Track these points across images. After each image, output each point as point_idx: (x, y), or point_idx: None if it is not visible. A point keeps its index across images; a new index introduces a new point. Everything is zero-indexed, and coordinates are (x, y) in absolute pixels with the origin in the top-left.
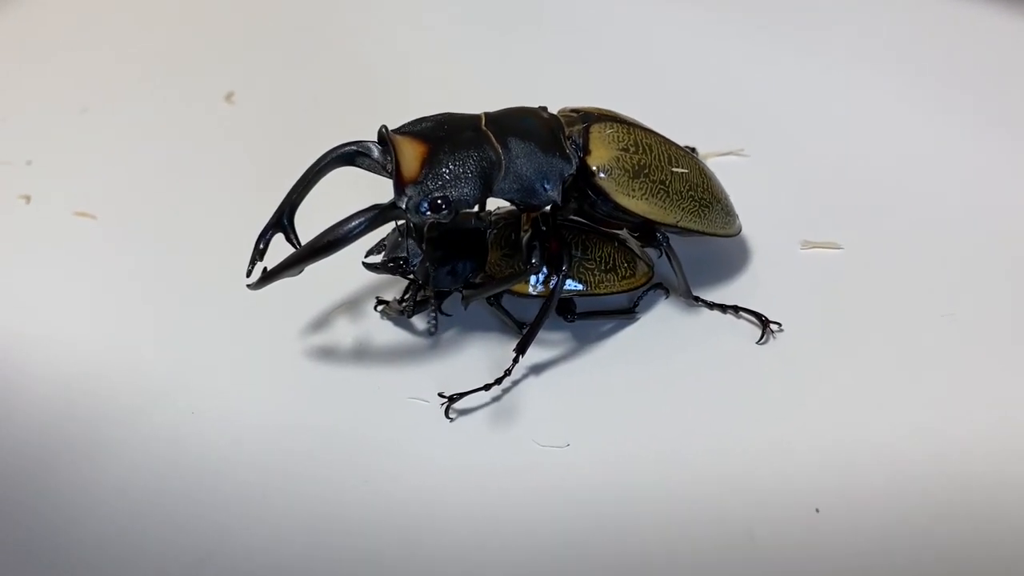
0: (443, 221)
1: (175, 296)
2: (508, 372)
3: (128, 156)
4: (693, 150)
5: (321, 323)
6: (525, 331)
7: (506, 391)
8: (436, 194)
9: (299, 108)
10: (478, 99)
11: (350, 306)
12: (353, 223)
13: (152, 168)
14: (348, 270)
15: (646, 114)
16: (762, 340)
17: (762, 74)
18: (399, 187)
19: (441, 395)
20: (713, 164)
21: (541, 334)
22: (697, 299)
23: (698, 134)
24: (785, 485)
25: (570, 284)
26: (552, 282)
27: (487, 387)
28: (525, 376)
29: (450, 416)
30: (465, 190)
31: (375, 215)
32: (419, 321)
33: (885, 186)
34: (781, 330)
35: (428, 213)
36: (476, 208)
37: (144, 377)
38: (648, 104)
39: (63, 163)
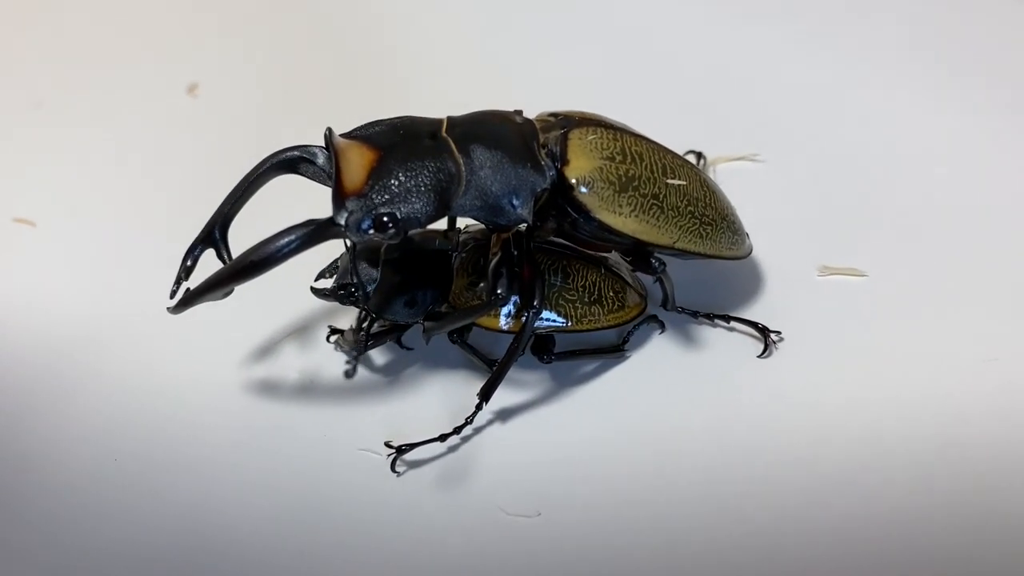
0: (390, 242)
1: (107, 315)
2: (469, 421)
3: (83, 155)
4: (700, 156)
5: (265, 352)
6: (491, 376)
7: (467, 441)
8: (382, 210)
9: (270, 102)
10: (468, 94)
11: (300, 333)
12: (281, 241)
13: (107, 168)
14: (302, 291)
15: (652, 115)
16: (765, 353)
17: (777, 72)
18: (339, 200)
19: (389, 445)
20: (722, 172)
21: (513, 375)
22: (681, 309)
23: (705, 138)
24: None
25: (548, 318)
26: (523, 317)
27: (443, 438)
28: (490, 424)
29: (397, 470)
30: (416, 206)
31: (309, 232)
32: (377, 355)
33: (917, 203)
34: (782, 339)
35: (371, 232)
36: (427, 226)
37: (62, 416)
38: (656, 103)
39: (10, 163)
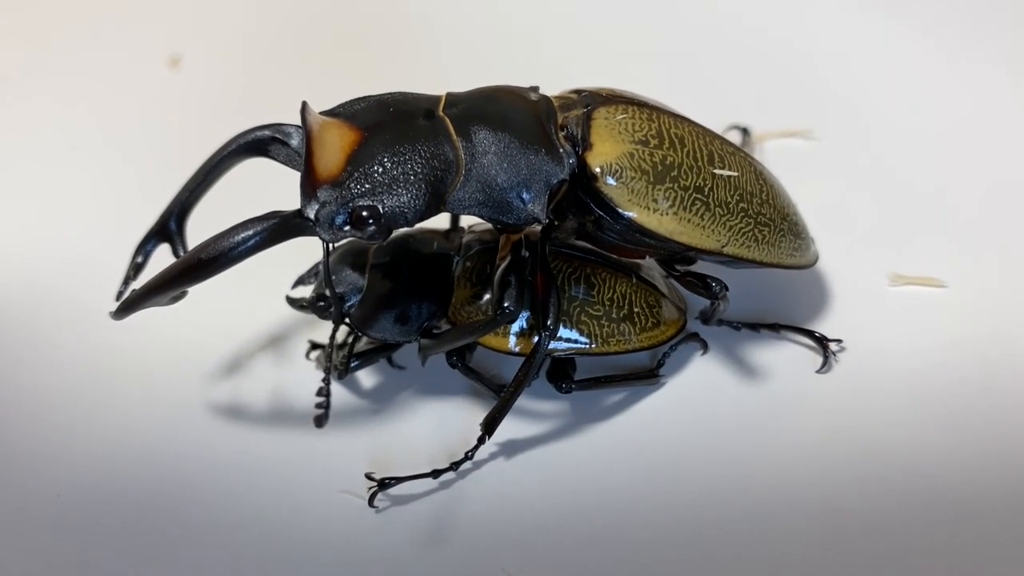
0: (370, 242)
1: (56, 313)
2: (469, 456)
3: (52, 132)
4: (745, 132)
5: (235, 368)
6: (496, 406)
7: (467, 484)
8: (360, 202)
9: (258, 75)
10: (483, 67)
11: (276, 346)
12: (237, 237)
13: (79, 147)
14: (279, 298)
15: (690, 85)
16: (824, 368)
17: (838, 40)
18: (308, 189)
19: (370, 477)
20: (771, 152)
21: (525, 404)
22: (720, 322)
23: (754, 113)
24: None
25: (567, 337)
26: (536, 337)
27: (436, 473)
28: (496, 466)
29: (375, 505)
30: (403, 199)
31: (271, 228)
32: (364, 376)
33: (1005, 203)
34: (843, 348)
35: (347, 228)
36: (415, 224)
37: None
38: (696, 72)
39: None
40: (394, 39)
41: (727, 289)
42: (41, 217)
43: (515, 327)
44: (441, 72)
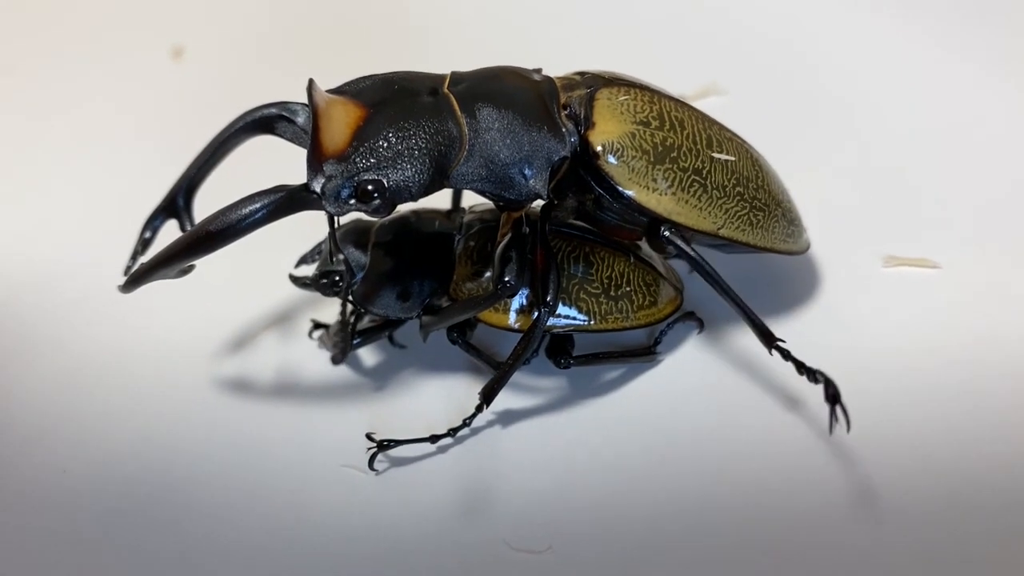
0: (374, 216)
1: (67, 293)
2: (467, 423)
3: (58, 121)
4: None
5: (238, 347)
6: (495, 376)
7: (468, 458)
8: (365, 176)
9: (261, 66)
10: (490, 57)
11: (280, 325)
12: (245, 209)
13: (83, 136)
14: (283, 276)
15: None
16: (831, 431)
17: (836, 32)
18: (315, 163)
19: (370, 437)
20: (766, 137)
21: (523, 380)
22: (785, 353)
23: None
24: None
25: (566, 314)
26: (535, 313)
27: (434, 438)
28: (496, 440)
29: (375, 468)
30: (407, 173)
31: (278, 200)
32: (366, 354)
33: (1000, 181)
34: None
35: (352, 201)
36: (419, 198)
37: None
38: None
39: None
40: (397, 28)
41: (700, 256)
42: (47, 202)
43: (515, 304)
44: (444, 62)
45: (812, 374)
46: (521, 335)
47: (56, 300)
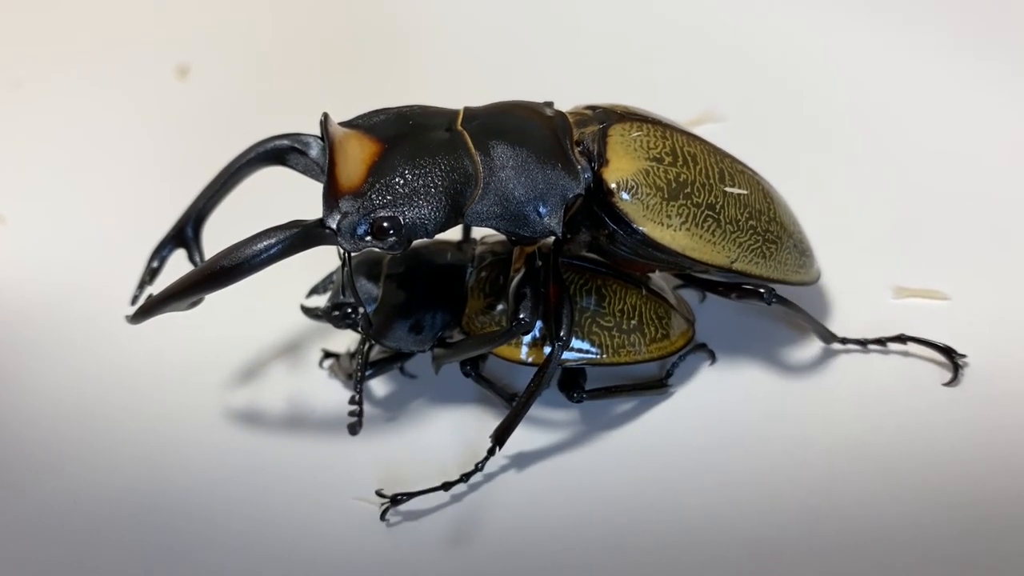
0: (390, 252)
1: (75, 319)
2: (479, 467)
3: (64, 139)
4: None
5: (250, 376)
6: (507, 417)
7: (478, 493)
8: (381, 213)
9: (269, 88)
10: (493, 82)
11: (290, 354)
12: (259, 245)
13: (89, 155)
14: (294, 306)
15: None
16: (954, 381)
17: (849, 55)
18: (331, 199)
19: (380, 494)
20: (775, 168)
21: (535, 413)
22: (844, 340)
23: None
24: None
25: (579, 348)
26: (547, 349)
27: (447, 486)
28: (506, 474)
29: (387, 519)
30: (424, 211)
31: (293, 236)
32: (377, 385)
33: (1010, 210)
34: (967, 364)
35: (368, 239)
36: (435, 236)
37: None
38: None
39: None
40: (401, 49)
41: (774, 289)
42: (52, 224)
43: (528, 337)
44: (446, 82)
45: (885, 342)
46: (534, 368)
47: (62, 325)
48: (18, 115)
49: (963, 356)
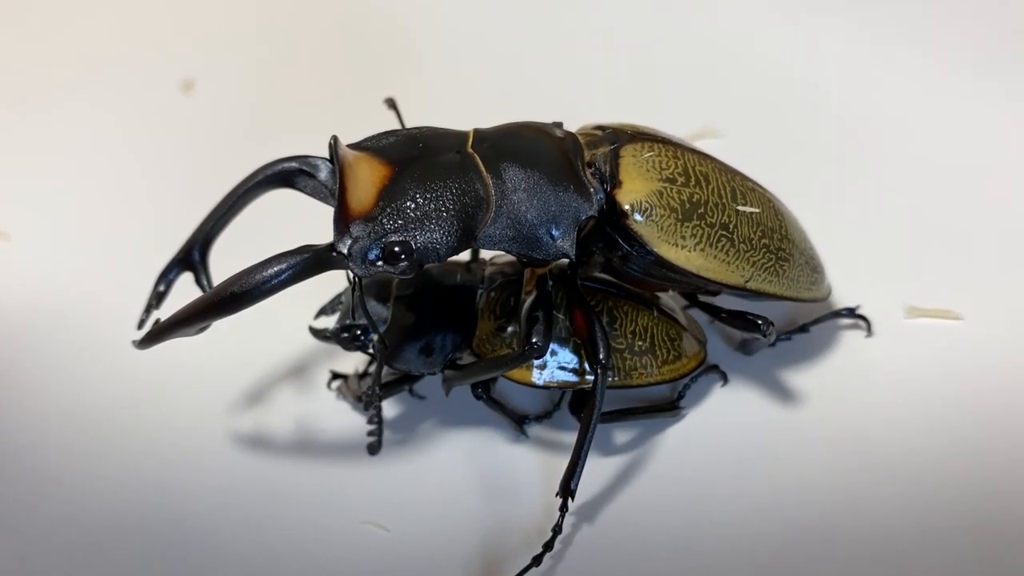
0: (401, 276)
1: (80, 342)
2: (557, 531)
3: (68, 154)
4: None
5: (257, 398)
6: (569, 463)
7: (490, 513)
8: (393, 237)
9: (274, 102)
10: (501, 100)
11: (298, 376)
12: (269, 271)
13: (94, 170)
14: (301, 327)
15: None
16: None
17: (856, 74)
18: (342, 223)
19: None
20: (785, 188)
21: (550, 435)
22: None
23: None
24: None
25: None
26: (589, 375)
27: (537, 562)
28: (517, 493)
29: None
30: (436, 235)
31: (304, 262)
32: (386, 406)
33: (1021, 232)
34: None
35: (380, 263)
36: (447, 259)
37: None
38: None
39: None
40: (408, 68)
41: (772, 324)
42: (56, 240)
43: (539, 361)
44: (450, 98)
45: None
46: (547, 391)
47: (66, 343)
48: (21, 129)
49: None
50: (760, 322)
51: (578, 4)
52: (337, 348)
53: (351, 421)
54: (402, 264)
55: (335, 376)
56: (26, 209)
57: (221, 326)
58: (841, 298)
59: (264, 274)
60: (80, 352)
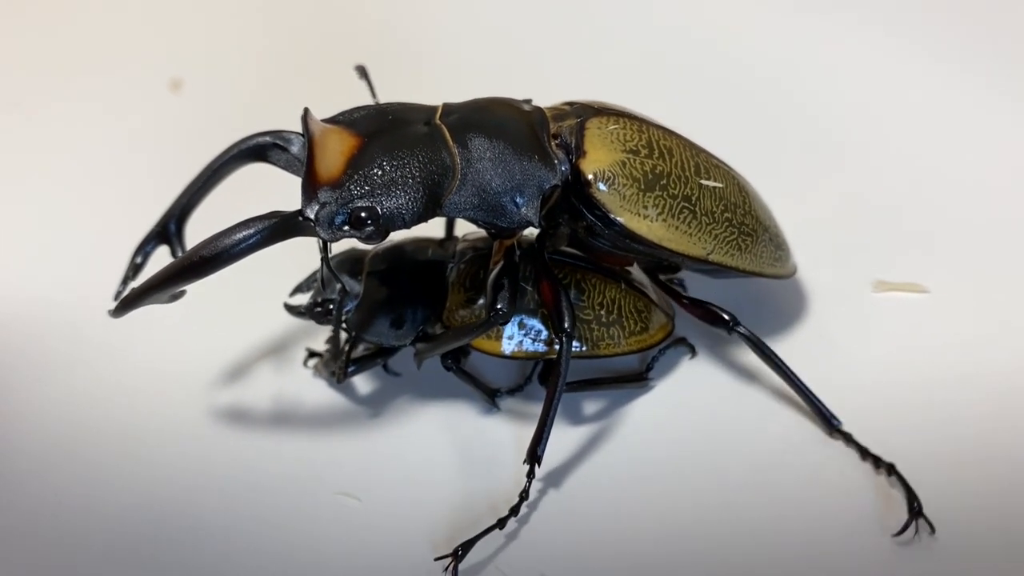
0: (367, 243)
1: (58, 322)
2: (524, 496)
3: (58, 154)
4: None
5: (235, 375)
6: (536, 429)
7: (461, 483)
8: (359, 203)
9: (259, 98)
10: (476, 89)
11: (275, 354)
12: (238, 235)
13: (83, 169)
14: (278, 306)
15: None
16: (899, 534)
17: (826, 57)
18: (310, 190)
19: (442, 558)
20: (754, 163)
21: (516, 406)
22: (847, 437)
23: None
24: None
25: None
26: (555, 344)
27: (501, 524)
28: (487, 463)
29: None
30: (401, 201)
31: (272, 226)
32: (360, 382)
33: (987, 205)
34: (932, 535)
35: (346, 228)
36: (412, 226)
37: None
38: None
39: None
40: (393, 62)
41: (739, 322)
42: (46, 235)
43: (508, 330)
44: (438, 91)
45: (877, 462)
46: (518, 361)
47: (47, 330)
48: (10, 130)
49: (919, 512)
50: (726, 316)
51: (577, 4)
52: (315, 327)
53: (327, 398)
54: (368, 229)
55: (311, 354)
56: (15, 201)
57: (200, 303)
58: (811, 274)
59: (233, 238)
60: (60, 336)
